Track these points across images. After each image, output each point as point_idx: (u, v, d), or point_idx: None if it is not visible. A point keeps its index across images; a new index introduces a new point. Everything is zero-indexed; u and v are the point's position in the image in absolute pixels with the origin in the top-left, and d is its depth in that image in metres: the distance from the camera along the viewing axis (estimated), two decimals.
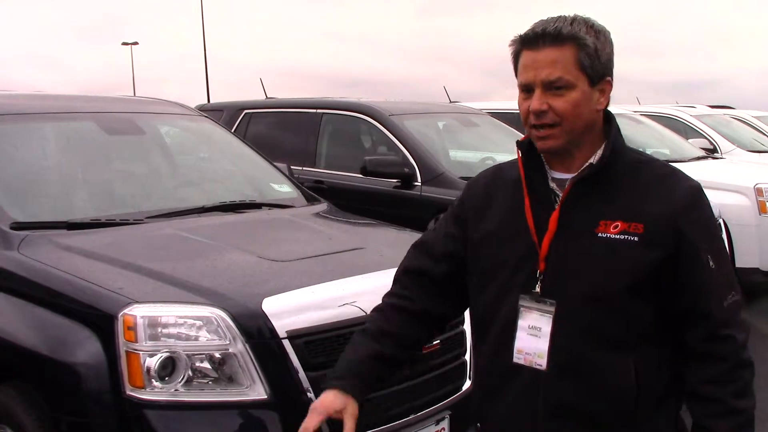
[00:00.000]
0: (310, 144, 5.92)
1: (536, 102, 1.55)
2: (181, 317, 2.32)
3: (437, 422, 2.70)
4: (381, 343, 1.75)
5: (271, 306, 2.40)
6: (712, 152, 8.67)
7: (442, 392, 2.74)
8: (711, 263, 1.54)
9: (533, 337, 1.59)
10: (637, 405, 1.54)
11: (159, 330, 2.29)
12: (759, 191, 6.48)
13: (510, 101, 9.02)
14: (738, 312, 1.57)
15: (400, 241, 3.48)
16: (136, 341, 2.26)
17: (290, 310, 2.43)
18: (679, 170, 1.64)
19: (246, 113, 6.61)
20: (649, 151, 7.66)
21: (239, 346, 2.32)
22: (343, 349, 2.40)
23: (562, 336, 1.57)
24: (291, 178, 4.17)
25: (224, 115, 6.61)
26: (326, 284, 2.61)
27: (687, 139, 8.80)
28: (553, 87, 1.54)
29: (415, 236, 3.62)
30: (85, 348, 2.32)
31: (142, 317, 2.28)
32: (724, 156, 8.75)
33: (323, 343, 2.43)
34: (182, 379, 2.28)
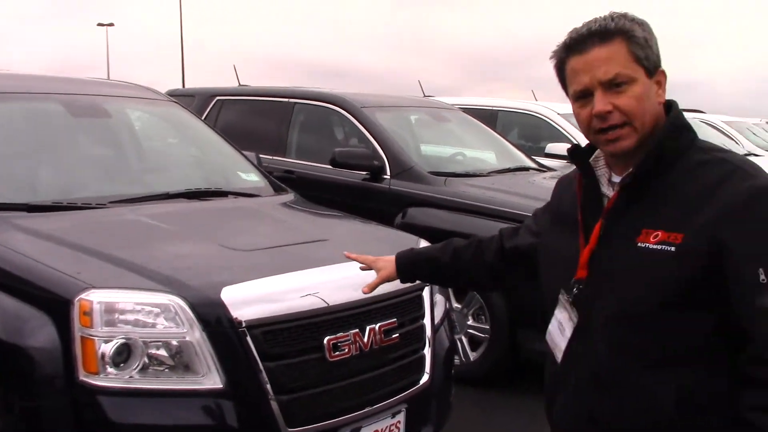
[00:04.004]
0: (281, 133, 5.89)
1: (599, 104, 1.46)
2: (138, 304, 2.31)
3: (393, 415, 2.71)
4: (446, 255, 2.01)
5: (230, 295, 2.39)
6: None
7: (398, 385, 2.75)
8: (763, 277, 1.34)
9: (559, 330, 1.62)
10: (680, 418, 1.43)
11: (116, 316, 2.27)
12: None
13: (482, 97, 9.09)
14: None
15: (365, 233, 3.49)
16: (91, 326, 2.24)
17: (249, 300, 2.42)
18: (746, 168, 1.45)
19: (218, 100, 6.56)
20: None
21: (196, 335, 2.31)
22: (301, 341, 2.44)
23: (583, 346, 1.55)
24: (259, 167, 4.14)
25: (196, 101, 6.55)
26: (287, 275, 2.60)
27: None
28: (613, 85, 1.45)
29: (380, 229, 3.65)
30: (40, 332, 2.30)
31: (99, 302, 2.26)
32: None
33: (282, 334, 2.43)
34: (137, 366, 2.27)
